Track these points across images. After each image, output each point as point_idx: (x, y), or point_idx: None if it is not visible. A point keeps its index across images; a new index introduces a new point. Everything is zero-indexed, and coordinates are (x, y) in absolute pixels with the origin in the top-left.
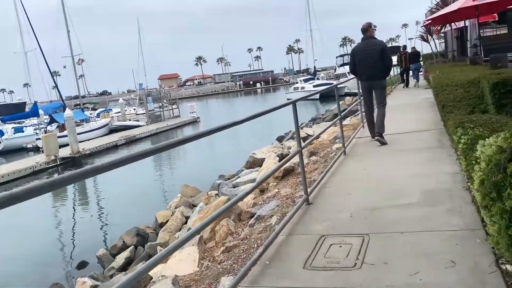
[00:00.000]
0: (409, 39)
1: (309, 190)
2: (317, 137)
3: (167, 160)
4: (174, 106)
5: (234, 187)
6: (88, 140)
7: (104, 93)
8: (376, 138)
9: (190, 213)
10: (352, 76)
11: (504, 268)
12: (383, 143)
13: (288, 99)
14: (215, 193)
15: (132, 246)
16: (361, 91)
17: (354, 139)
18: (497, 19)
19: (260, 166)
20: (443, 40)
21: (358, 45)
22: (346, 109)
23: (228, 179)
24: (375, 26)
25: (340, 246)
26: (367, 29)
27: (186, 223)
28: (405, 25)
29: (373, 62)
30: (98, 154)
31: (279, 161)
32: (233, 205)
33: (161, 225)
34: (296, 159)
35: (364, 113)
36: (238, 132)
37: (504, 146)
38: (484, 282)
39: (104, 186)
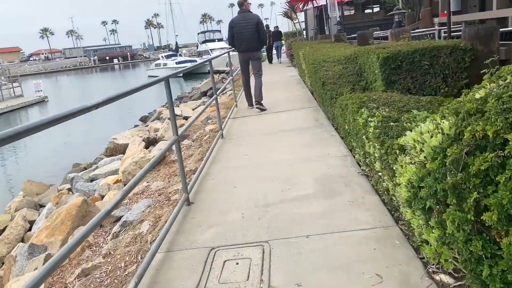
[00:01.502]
0: (276, 14)
1: (188, 187)
2: (194, 120)
3: (6, 149)
4: (15, 84)
5: (91, 181)
6: None
7: None
8: (256, 106)
9: (36, 215)
10: (217, 54)
11: (439, 279)
12: (263, 109)
13: (149, 76)
14: (68, 188)
15: None
16: (238, 63)
17: (230, 119)
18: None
19: (123, 153)
20: (303, 19)
21: (235, 18)
22: (221, 87)
23: (85, 168)
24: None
25: (237, 263)
26: (243, 3)
27: (30, 229)
28: (261, 5)
29: (250, 34)
30: None
31: (146, 146)
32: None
33: None
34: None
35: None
36: (93, 113)
37: (453, 135)
38: None
39: None
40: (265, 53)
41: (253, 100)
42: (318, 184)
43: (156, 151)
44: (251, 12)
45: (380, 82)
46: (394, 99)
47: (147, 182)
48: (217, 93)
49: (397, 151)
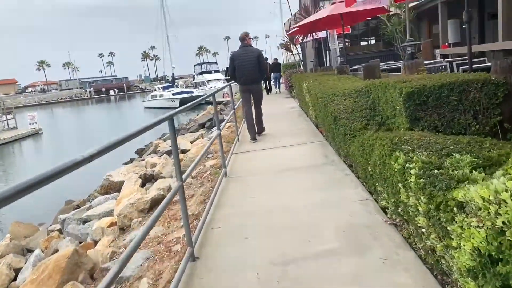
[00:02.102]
0: (277, 47)
1: (193, 237)
2: (198, 162)
3: None
4: (9, 116)
5: (84, 223)
6: None
7: None
8: (258, 136)
9: (23, 262)
10: (213, 85)
11: None
12: (257, 134)
13: (145, 107)
14: (59, 229)
15: None
16: (240, 94)
17: (233, 155)
18: (349, 31)
19: (119, 191)
20: (300, 51)
21: (237, 52)
22: (224, 120)
23: (78, 206)
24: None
25: None
26: (245, 38)
27: (15, 279)
28: (256, 38)
29: (251, 67)
30: None
31: (142, 184)
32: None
33: None
34: (169, 195)
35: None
36: (87, 144)
37: None
38: None
39: None
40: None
41: (255, 133)
42: (341, 235)
43: (154, 191)
44: (252, 47)
45: (403, 119)
46: (428, 140)
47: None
48: (220, 127)
49: (455, 208)
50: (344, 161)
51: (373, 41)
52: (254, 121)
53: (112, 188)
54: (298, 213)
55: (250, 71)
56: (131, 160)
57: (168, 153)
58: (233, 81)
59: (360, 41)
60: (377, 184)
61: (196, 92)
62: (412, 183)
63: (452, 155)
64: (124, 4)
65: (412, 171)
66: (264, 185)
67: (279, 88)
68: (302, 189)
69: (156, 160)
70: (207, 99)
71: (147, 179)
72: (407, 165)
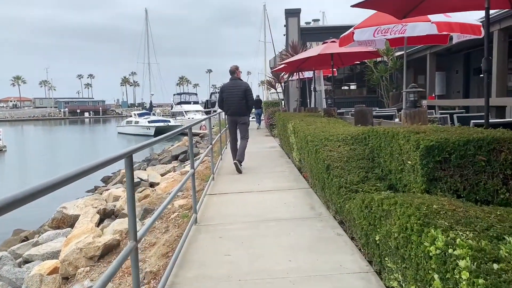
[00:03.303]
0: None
1: None
2: (160, 213)
3: None
4: None
5: (25, 263)
6: None
7: None
8: (234, 162)
9: None
10: (191, 116)
11: None
12: (239, 170)
13: (119, 133)
14: None
15: None
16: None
17: (206, 196)
18: (336, 74)
19: (72, 226)
20: (284, 90)
21: (226, 84)
22: (199, 153)
23: (26, 238)
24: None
25: None
26: (235, 71)
27: None
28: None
29: (238, 100)
30: None
31: (100, 219)
32: None
33: None
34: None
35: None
36: (48, 164)
37: None
38: None
39: None
40: None
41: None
42: None
43: (109, 234)
44: (241, 80)
45: (417, 178)
46: (464, 211)
47: (92, 279)
48: (195, 166)
49: None
50: (334, 216)
51: (353, 86)
52: (238, 149)
53: (65, 222)
54: (282, 284)
55: (237, 104)
56: (95, 188)
57: (137, 184)
58: (214, 112)
59: (343, 86)
60: (387, 259)
61: (173, 122)
62: (464, 283)
63: (504, 238)
64: (110, 27)
65: (462, 263)
66: (241, 240)
67: (259, 124)
68: (286, 249)
69: (120, 193)
70: (183, 131)
71: (106, 215)
72: (450, 251)
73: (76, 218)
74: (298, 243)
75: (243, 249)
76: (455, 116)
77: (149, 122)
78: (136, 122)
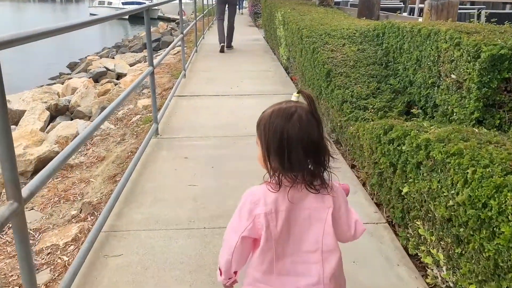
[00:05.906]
0: None
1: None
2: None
3: None
4: None
5: None
6: None
7: None
8: (221, 44)
9: None
10: None
11: None
12: (223, 51)
13: (91, 14)
14: None
15: None
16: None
17: (173, 98)
18: None
19: (16, 124)
20: None
21: None
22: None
23: None
24: None
25: None
26: None
27: None
28: None
29: None
30: None
31: (51, 118)
32: None
33: None
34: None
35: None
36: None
37: None
38: None
39: None
40: None
41: (225, 41)
42: None
43: (46, 144)
44: None
45: (470, 102)
46: None
47: None
48: (154, 65)
49: None
50: (328, 134)
51: None
52: (225, 34)
53: (10, 118)
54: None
55: None
56: (60, 75)
57: (96, 77)
58: None
59: None
60: (418, 223)
61: (148, 3)
62: None
63: None
64: None
65: None
66: (209, 161)
67: (241, 9)
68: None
69: (78, 84)
70: (161, 15)
71: (59, 112)
72: None
73: (21, 114)
74: None
75: (210, 177)
76: (482, 12)
77: (123, 3)
78: (109, 3)
